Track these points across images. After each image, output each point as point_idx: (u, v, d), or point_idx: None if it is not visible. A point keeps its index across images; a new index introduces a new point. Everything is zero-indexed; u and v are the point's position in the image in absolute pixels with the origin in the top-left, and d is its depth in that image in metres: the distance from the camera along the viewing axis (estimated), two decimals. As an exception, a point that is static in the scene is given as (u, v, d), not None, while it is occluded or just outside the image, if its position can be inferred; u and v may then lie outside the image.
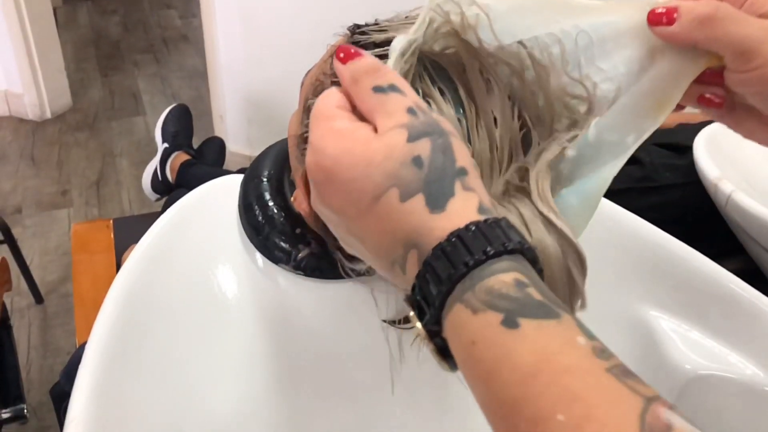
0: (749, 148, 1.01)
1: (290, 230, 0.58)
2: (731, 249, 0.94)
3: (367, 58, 0.38)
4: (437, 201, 0.33)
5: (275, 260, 0.58)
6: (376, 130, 0.36)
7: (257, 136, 2.28)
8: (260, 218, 0.59)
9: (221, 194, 0.63)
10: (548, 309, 0.30)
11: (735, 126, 0.46)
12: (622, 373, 0.28)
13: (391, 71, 0.38)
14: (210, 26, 2.16)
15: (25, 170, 2.39)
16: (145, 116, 2.73)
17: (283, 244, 0.58)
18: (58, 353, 1.73)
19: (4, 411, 1.20)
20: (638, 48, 0.43)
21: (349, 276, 0.54)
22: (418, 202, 0.33)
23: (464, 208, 0.33)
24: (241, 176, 0.64)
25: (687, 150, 0.97)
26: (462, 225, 0.32)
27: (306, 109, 0.50)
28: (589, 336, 0.29)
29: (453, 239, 0.32)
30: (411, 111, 0.36)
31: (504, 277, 0.31)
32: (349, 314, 0.59)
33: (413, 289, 0.33)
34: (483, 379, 0.30)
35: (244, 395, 0.56)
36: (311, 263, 0.58)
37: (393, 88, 0.37)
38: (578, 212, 0.44)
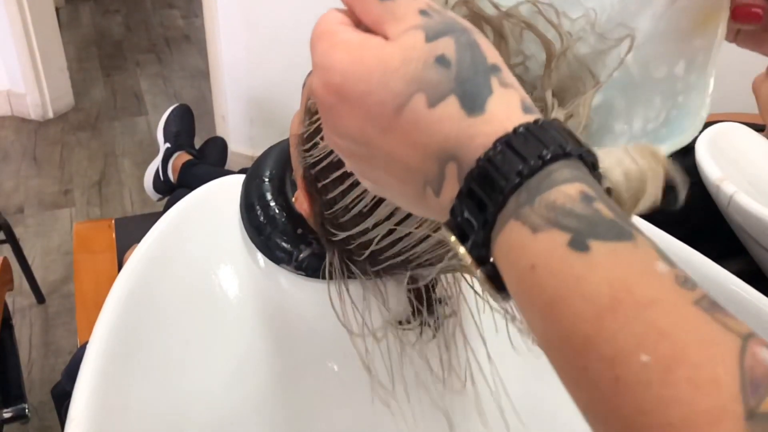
0: (752, 149, 1.01)
1: (292, 230, 0.58)
2: (733, 250, 0.94)
3: None
4: (474, 101, 0.28)
5: (277, 260, 0.58)
6: (386, 39, 0.31)
7: (259, 136, 2.28)
8: (262, 218, 0.59)
9: (223, 194, 0.63)
10: (621, 229, 0.26)
11: None
12: (710, 305, 0.24)
13: None
14: (212, 26, 2.17)
15: (27, 170, 2.40)
16: (147, 116, 2.73)
17: (284, 244, 0.58)
18: (60, 353, 1.73)
19: (5, 410, 1.20)
20: None
21: (336, 276, 0.54)
22: (451, 104, 0.29)
23: (507, 108, 0.29)
24: (242, 176, 0.64)
25: (689, 151, 0.97)
26: (509, 128, 0.28)
27: (307, 110, 0.50)
28: (669, 261, 0.25)
29: (499, 146, 0.27)
30: (424, 13, 0.31)
31: (567, 188, 0.26)
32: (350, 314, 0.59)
33: (453, 211, 0.29)
34: (545, 310, 0.26)
35: (245, 395, 0.56)
36: (313, 263, 0.58)
37: None
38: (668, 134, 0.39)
